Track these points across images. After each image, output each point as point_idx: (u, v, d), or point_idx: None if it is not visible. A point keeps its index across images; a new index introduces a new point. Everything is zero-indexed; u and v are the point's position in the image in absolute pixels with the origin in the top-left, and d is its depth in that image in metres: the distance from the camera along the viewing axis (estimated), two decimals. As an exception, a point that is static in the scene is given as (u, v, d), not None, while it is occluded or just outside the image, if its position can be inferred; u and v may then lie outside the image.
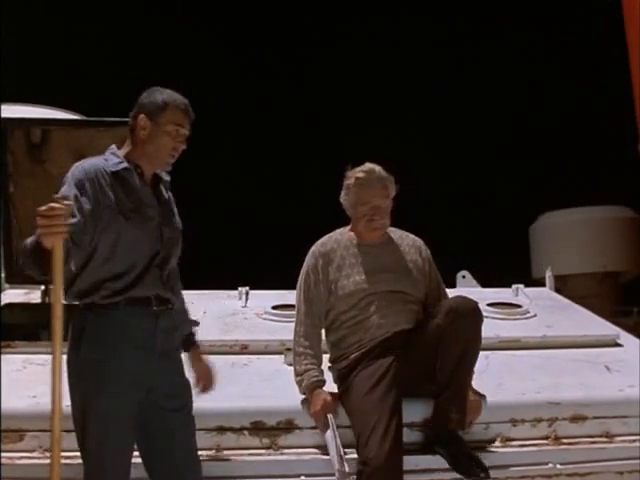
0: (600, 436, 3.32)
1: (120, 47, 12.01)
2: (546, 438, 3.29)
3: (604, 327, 4.46)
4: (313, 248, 3.52)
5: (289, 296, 4.63)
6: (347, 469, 2.98)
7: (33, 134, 4.65)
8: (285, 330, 4.10)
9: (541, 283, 5.97)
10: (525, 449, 3.23)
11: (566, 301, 5.11)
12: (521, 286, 5.19)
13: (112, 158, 2.85)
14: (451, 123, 12.88)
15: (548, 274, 5.63)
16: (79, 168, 2.78)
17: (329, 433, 3.11)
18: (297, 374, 3.32)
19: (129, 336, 2.73)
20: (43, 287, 4.77)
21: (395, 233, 3.59)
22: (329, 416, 3.16)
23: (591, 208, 11.85)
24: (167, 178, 3.01)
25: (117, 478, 2.73)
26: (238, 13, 13.34)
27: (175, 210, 3.01)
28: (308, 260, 3.49)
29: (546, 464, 3.18)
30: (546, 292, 5.33)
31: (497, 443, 3.26)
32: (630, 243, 11.57)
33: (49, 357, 3.72)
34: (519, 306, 4.65)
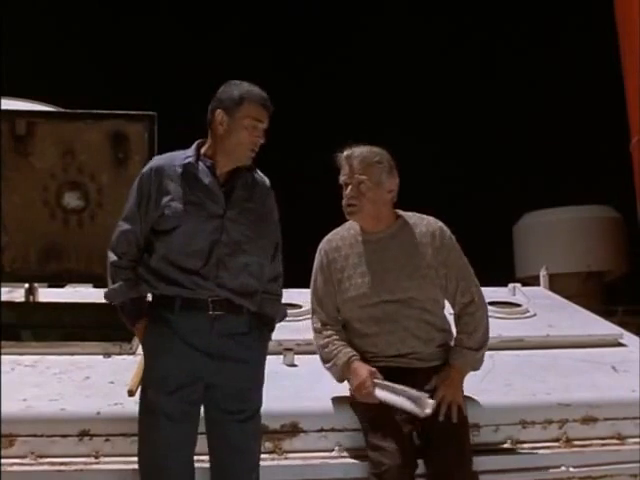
0: (611, 438, 3.24)
1: (105, 43, 11.85)
2: (557, 440, 3.20)
3: (606, 327, 4.42)
4: (320, 245, 3.36)
5: (286, 295, 4.52)
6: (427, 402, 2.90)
7: (18, 126, 4.48)
8: (283, 330, 3.95)
9: (525, 282, 5.92)
10: (537, 452, 3.14)
11: (563, 300, 5.07)
12: (518, 285, 5.13)
13: (185, 153, 2.89)
14: (438, 123, 12.85)
15: (543, 273, 5.58)
16: (146, 168, 2.89)
17: (387, 394, 2.95)
18: (327, 360, 3.17)
19: (180, 337, 2.75)
20: (27, 285, 4.61)
21: (410, 219, 3.30)
22: (378, 381, 3.00)
23: (574, 208, 11.89)
24: (264, 182, 2.98)
25: (171, 473, 2.72)
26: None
27: (261, 214, 2.92)
28: (316, 258, 3.35)
29: (559, 467, 3.09)
30: (542, 291, 5.30)
31: (507, 446, 3.16)
32: (613, 243, 11.63)
33: (38, 358, 3.65)
34: (518, 305, 4.58)
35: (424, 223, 3.28)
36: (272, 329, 3.02)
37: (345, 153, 3.27)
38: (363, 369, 3.04)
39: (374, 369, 3.05)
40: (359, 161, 3.21)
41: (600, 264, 11.57)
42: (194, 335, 2.76)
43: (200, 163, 2.86)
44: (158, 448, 2.72)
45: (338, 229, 3.38)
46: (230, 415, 2.79)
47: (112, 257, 2.89)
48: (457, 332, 3.21)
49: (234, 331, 2.81)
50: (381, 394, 2.97)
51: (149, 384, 2.80)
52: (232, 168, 2.88)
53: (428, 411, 2.88)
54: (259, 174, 2.99)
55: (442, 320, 3.25)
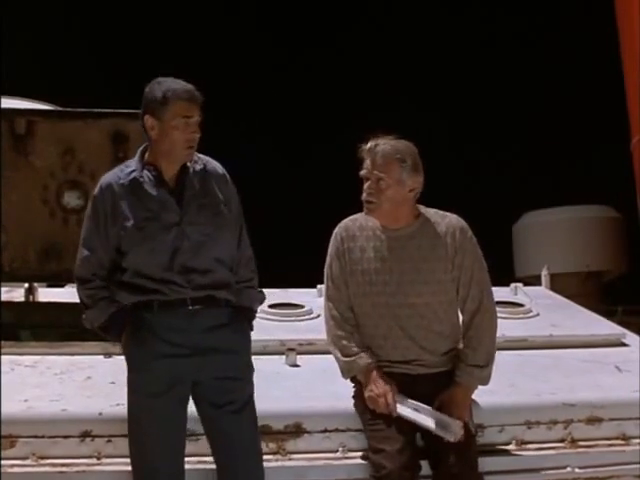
0: (616, 438, 3.22)
1: (105, 41, 11.83)
2: (562, 441, 3.18)
3: (609, 327, 4.43)
4: (336, 230, 3.20)
5: (286, 294, 4.52)
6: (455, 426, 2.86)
7: (18, 125, 4.44)
8: (284, 329, 3.99)
9: (525, 282, 5.91)
10: (542, 452, 3.12)
11: (565, 300, 5.07)
12: (520, 285, 5.11)
13: (129, 165, 2.85)
14: (437, 122, 12.83)
15: (544, 273, 5.56)
16: (97, 188, 2.84)
17: (411, 412, 2.92)
18: (346, 355, 3.06)
19: (161, 336, 2.73)
20: (26, 285, 4.58)
21: (432, 217, 3.13)
22: (399, 397, 2.96)
23: (574, 207, 11.87)
24: (216, 171, 2.91)
25: (162, 475, 2.72)
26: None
27: (219, 205, 2.86)
28: (331, 243, 3.19)
29: (564, 468, 3.08)
30: (543, 291, 5.29)
31: (512, 446, 3.15)
32: (613, 242, 11.63)
33: (38, 358, 3.62)
34: (521, 305, 4.56)
35: (445, 222, 3.12)
36: (252, 318, 3.00)
37: (368, 145, 3.08)
38: (386, 380, 2.98)
39: (391, 380, 3.00)
40: (380, 156, 3.04)
41: (599, 264, 11.56)
42: (174, 333, 2.75)
43: (146, 173, 2.81)
44: (147, 451, 2.72)
45: (357, 216, 3.20)
46: (221, 409, 2.77)
47: (80, 284, 2.87)
48: (463, 345, 3.11)
49: (214, 324, 2.80)
50: (403, 411, 2.93)
51: (134, 388, 2.79)
52: (178, 169, 2.83)
53: (458, 437, 2.84)
54: (211, 163, 2.92)
55: (453, 327, 3.14)
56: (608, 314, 9.95)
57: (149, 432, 2.73)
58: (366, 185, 3.07)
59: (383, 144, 3.06)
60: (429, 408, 2.93)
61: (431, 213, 3.16)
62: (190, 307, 2.76)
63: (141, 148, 2.88)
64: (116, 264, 2.82)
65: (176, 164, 2.82)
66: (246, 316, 2.94)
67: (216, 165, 2.94)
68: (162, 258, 2.75)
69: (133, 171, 2.81)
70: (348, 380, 3.17)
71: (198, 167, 2.86)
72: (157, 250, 2.75)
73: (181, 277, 2.76)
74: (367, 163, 3.07)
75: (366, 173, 3.07)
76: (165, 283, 2.75)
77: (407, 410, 2.93)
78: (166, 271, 2.75)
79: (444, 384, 3.05)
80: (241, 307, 2.91)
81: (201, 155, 2.91)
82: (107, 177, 2.86)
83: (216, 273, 2.81)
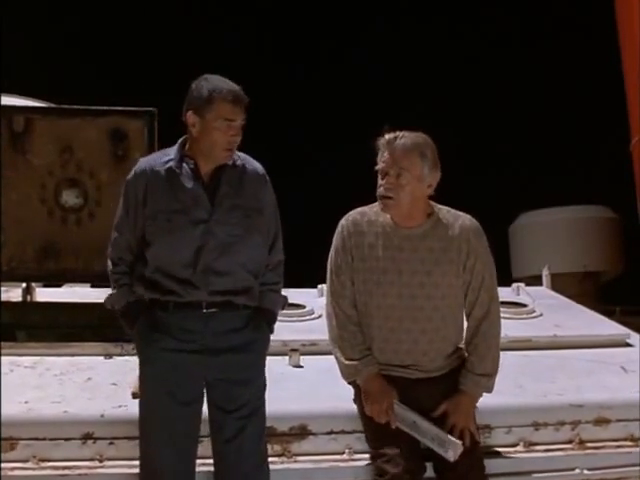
0: (625, 439, 3.19)
1: (105, 39, 11.78)
2: (570, 442, 3.15)
3: (612, 327, 4.41)
4: (343, 222, 3.06)
5: (286, 294, 4.46)
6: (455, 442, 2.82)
7: (16, 123, 4.39)
8: (287, 330, 3.94)
9: (523, 282, 5.88)
10: (550, 454, 3.09)
11: (567, 300, 5.07)
12: (522, 285, 5.09)
13: (167, 154, 2.81)
14: (436, 121, 12.83)
15: (545, 272, 5.54)
16: (131, 173, 2.83)
17: (409, 426, 2.88)
18: (348, 359, 2.96)
19: (174, 336, 2.70)
20: (24, 285, 4.52)
21: (444, 216, 2.99)
22: (399, 409, 2.91)
23: (571, 208, 11.88)
24: (256, 172, 2.86)
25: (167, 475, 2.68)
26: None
27: (252, 208, 2.80)
28: (336, 237, 3.06)
29: (573, 469, 3.04)
30: (545, 291, 5.26)
31: (520, 448, 3.11)
32: (610, 243, 11.64)
33: (38, 359, 3.58)
34: (524, 305, 4.53)
35: (458, 224, 2.99)
36: (272, 321, 2.94)
37: (387, 137, 2.93)
38: (387, 390, 2.92)
39: (395, 393, 2.94)
40: (402, 150, 2.88)
41: (597, 264, 11.57)
42: (188, 334, 2.71)
43: (183, 165, 2.77)
44: (153, 450, 2.69)
45: (365, 209, 3.06)
46: (230, 414, 2.74)
47: (110, 265, 2.87)
48: (468, 352, 3.04)
49: (229, 327, 2.75)
50: (403, 424, 2.89)
51: (144, 384, 2.77)
52: (215, 166, 2.79)
53: (456, 456, 2.80)
54: (250, 164, 2.87)
55: (457, 331, 3.08)
56: (606, 314, 9.94)
57: (153, 430, 2.70)
58: (384, 180, 2.92)
59: (403, 137, 2.92)
60: (429, 424, 2.88)
61: (444, 212, 3.03)
62: (205, 310, 2.72)
63: (181, 139, 2.83)
64: (141, 256, 2.79)
65: (212, 163, 2.78)
66: (266, 318, 2.88)
67: (256, 166, 2.89)
68: (185, 254, 2.71)
69: (170, 160, 2.77)
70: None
71: (237, 166, 2.81)
72: (181, 245, 2.71)
73: (200, 278, 2.71)
74: (385, 156, 2.92)
75: (385, 167, 2.92)
76: (182, 284, 2.71)
77: (406, 422, 2.89)
78: (187, 268, 2.70)
79: (443, 386, 3.01)
80: (262, 309, 2.86)
81: (241, 154, 2.85)
82: (142, 163, 2.84)
83: (238, 277, 2.76)
